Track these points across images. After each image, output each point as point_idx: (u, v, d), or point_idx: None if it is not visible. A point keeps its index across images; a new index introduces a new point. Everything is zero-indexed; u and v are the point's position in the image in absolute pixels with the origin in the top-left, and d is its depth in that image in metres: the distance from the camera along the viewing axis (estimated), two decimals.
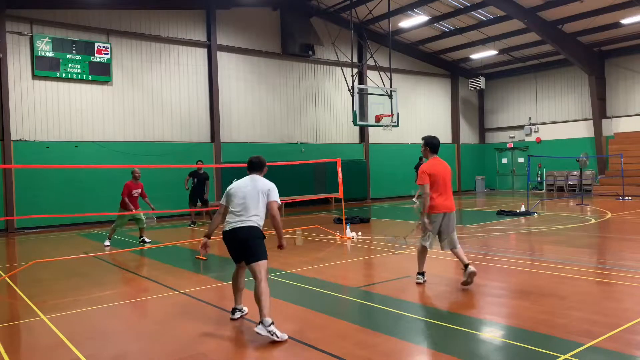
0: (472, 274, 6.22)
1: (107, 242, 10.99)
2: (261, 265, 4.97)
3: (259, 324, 4.67)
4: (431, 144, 6.63)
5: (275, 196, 5.18)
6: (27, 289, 7.17)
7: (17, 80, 15.12)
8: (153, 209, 11.06)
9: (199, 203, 14.80)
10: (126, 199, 10.76)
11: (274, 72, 20.49)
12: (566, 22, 19.82)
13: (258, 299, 4.79)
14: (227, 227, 5.08)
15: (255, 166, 5.35)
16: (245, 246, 5.04)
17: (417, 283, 6.64)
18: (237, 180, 5.40)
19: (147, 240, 11.21)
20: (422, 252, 6.67)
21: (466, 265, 6.30)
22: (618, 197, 19.40)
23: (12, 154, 14.85)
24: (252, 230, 5.06)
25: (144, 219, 11.13)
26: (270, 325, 4.61)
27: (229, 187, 5.30)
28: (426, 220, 6.38)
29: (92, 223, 15.69)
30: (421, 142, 6.75)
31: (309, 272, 7.67)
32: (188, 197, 14.96)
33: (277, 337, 4.58)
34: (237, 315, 5.41)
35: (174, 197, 17.21)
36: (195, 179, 14.82)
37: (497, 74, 26.96)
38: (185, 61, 18.31)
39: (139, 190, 11.06)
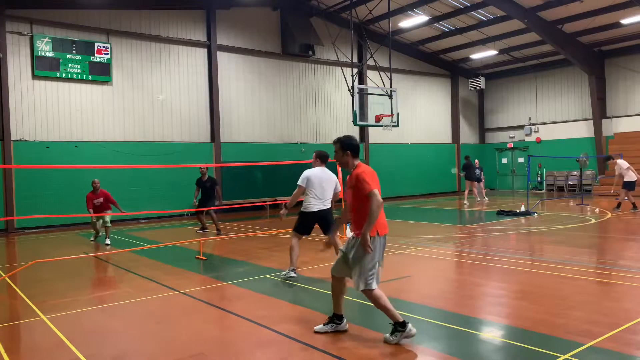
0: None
1: (92, 238, 11.91)
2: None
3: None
4: (351, 146, 4.79)
5: (339, 187, 7.42)
6: (27, 289, 7.16)
7: (17, 80, 15.11)
8: (122, 212, 11.47)
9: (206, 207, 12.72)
10: (90, 210, 11.18)
11: (274, 72, 20.48)
12: (566, 22, 19.81)
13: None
14: (314, 209, 7.07)
15: (325, 159, 7.25)
16: (328, 222, 7.17)
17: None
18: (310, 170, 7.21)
19: (108, 242, 11.29)
20: (380, 298, 4.50)
21: (404, 323, 4.49)
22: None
23: (12, 154, 14.84)
24: (331, 211, 7.26)
25: (108, 219, 11.43)
26: None
27: (308, 175, 7.10)
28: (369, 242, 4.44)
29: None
30: (334, 145, 4.90)
31: (309, 272, 7.67)
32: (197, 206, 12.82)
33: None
34: (293, 274, 7.16)
35: (174, 197, 17.23)
36: (200, 189, 12.74)
37: (497, 74, 26.95)
38: (185, 61, 18.31)
39: (101, 200, 11.30)
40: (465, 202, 19.67)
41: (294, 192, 7.16)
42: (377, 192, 4.45)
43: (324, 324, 4.85)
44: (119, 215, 15.07)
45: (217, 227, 12.70)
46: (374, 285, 4.50)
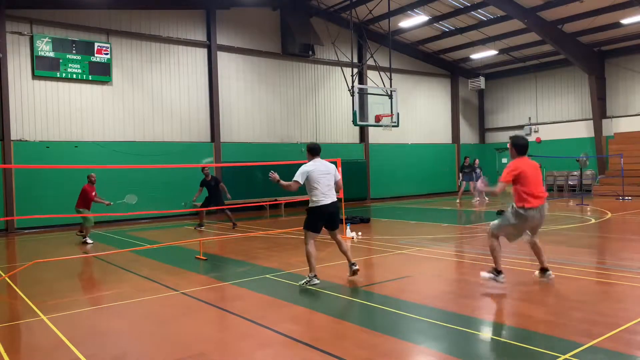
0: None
1: (89, 241, 11.73)
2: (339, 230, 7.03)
3: (352, 265, 6.86)
4: (516, 145, 6.37)
5: (338, 174, 6.94)
6: (27, 289, 7.16)
7: (17, 80, 15.11)
8: (109, 204, 11.94)
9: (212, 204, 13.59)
10: (91, 201, 11.88)
11: (274, 72, 20.48)
12: (566, 22, 19.81)
13: (345, 252, 6.92)
14: (322, 203, 6.64)
15: (318, 151, 6.84)
16: (335, 217, 6.83)
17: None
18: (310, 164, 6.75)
19: (89, 241, 11.74)
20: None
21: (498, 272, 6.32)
22: (618, 197, 19.39)
23: (12, 154, 14.84)
24: (337, 204, 6.88)
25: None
26: (356, 265, 6.88)
27: (307, 169, 6.59)
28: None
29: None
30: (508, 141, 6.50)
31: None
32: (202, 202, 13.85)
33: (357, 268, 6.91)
34: (316, 280, 6.68)
35: (174, 197, 17.22)
36: (205, 189, 13.70)
37: (497, 74, 26.95)
38: (185, 61, 18.31)
39: (95, 193, 12.01)
40: (477, 198, 20.04)
41: (291, 183, 6.58)
42: (501, 183, 6.37)
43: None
44: (119, 216, 15.14)
45: (233, 222, 13.71)
46: (496, 230, 6.33)
